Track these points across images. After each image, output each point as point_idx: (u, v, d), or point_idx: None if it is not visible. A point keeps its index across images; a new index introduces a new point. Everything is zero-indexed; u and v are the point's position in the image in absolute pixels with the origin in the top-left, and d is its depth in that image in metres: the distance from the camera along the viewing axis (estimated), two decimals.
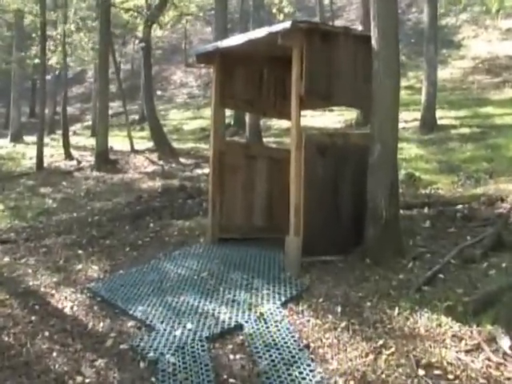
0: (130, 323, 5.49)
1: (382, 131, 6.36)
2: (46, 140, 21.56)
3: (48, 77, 26.73)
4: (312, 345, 4.70)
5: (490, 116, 14.87)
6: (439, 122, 14.77)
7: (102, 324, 5.56)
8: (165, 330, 5.16)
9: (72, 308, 6.03)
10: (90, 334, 5.40)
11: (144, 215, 9.28)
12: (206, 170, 12.85)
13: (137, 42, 22.40)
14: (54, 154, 18.94)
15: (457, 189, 9.27)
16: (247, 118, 16.03)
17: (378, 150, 6.34)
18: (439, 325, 4.68)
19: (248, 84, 7.94)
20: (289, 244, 6.31)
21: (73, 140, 20.82)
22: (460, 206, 7.78)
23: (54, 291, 6.57)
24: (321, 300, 5.47)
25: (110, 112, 28.00)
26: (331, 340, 4.73)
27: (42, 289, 6.68)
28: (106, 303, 6.02)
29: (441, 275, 5.55)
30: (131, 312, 5.65)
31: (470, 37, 24.32)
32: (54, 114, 26.47)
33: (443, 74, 19.95)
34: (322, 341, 4.75)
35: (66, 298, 6.34)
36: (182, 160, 15.51)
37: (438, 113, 15.01)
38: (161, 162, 15.36)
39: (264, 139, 16.13)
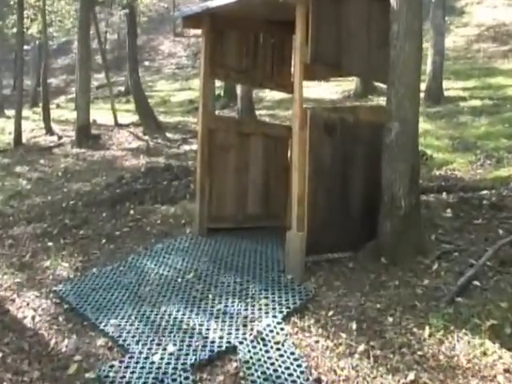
0: (100, 341, 4.52)
1: (401, 106, 5.33)
2: (28, 113, 20.40)
3: (28, 47, 25.46)
4: (324, 378, 3.75)
5: (501, 87, 13.82)
6: (446, 93, 13.73)
7: (66, 342, 4.58)
8: (141, 353, 4.17)
9: (33, 318, 5.06)
10: (50, 355, 4.44)
11: (124, 200, 8.25)
12: (194, 147, 11.80)
13: (121, 9, 21.08)
14: (34, 128, 17.76)
15: (476, 170, 8.27)
16: (238, 89, 14.91)
17: (395, 129, 5.33)
18: (484, 353, 3.73)
19: (242, 51, 6.87)
20: (290, 241, 5.31)
21: (56, 113, 19.65)
22: (485, 192, 6.78)
23: (15, 295, 5.61)
24: (331, 313, 4.51)
25: (96, 84, 26.95)
26: (348, 371, 3.77)
27: (1, 292, 5.70)
28: (74, 312, 5.04)
29: (476, 282, 4.59)
30: (102, 326, 4.67)
31: (474, 3, 23.12)
32: (38, 86, 25.12)
33: (446, 42, 18.82)
34: (335, 372, 3.79)
35: (28, 304, 5.38)
36: (169, 135, 14.40)
37: (444, 83, 13.95)
38: (146, 138, 14.25)
39: (256, 112, 15.06)
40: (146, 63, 29.84)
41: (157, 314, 4.72)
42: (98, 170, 11.51)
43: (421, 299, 4.55)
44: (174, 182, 9.01)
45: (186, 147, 12.89)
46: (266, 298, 4.82)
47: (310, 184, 5.33)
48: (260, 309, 4.66)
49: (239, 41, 6.84)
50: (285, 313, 4.56)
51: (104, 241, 6.82)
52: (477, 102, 12.68)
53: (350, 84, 16.76)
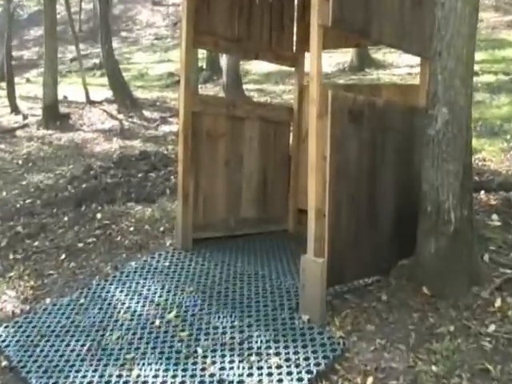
0: None
1: (451, 85, 4.00)
2: None
3: None
4: None
5: None
6: None
7: None
8: None
9: None
10: None
11: (91, 197, 6.83)
12: (175, 128, 10.41)
13: None
14: None
15: (511, 160, 6.97)
16: (223, 60, 13.41)
17: (443, 116, 4.01)
18: None
19: (233, 15, 5.45)
20: (306, 270, 3.94)
21: (25, 89, 17.99)
22: None
23: None
24: (370, 381, 3.22)
25: (70, 56, 25.17)
26: None
27: None
28: (14, 375, 3.70)
29: None
30: None
31: None
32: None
33: None
34: None
35: None
36: (146, 113, 12.91)
37: None
38: (120, 117, 12.75)
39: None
40: (123, 34, 28.05)
41: (127, 383, 3.40)
42: (64, 156, 10.04)
43: (491, 358, 3.28)
44: (150, 173, 7.63)
45: (166, 128, 11.45)
46: (277, 354, 3.50)
47: (332, 191, 3.98)
48: (270, 374, 3.34)
49: (230, 1, 5.42)
50: (305, 381, 3.26)
51: (63, 256, 5.44)
52: (490, 78, 11.35)
53: (343, 55, 15.33)
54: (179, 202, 5.24)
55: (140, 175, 7.53)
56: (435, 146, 4.04)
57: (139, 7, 31.48)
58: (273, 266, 4.84)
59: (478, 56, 13.13)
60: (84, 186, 7.41)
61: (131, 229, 5.83)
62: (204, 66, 16.39)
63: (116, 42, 23.06)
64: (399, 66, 14.55)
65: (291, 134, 6.29)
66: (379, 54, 15.80)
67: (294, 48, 6.16)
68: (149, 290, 4.50)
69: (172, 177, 7.25)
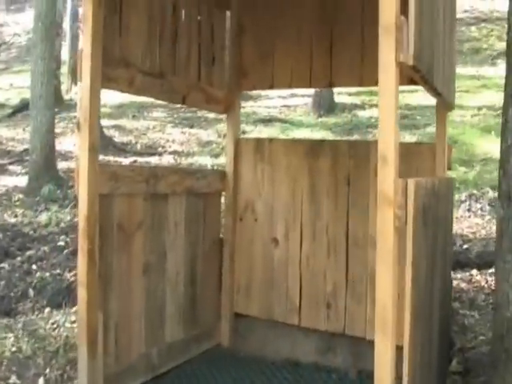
0: None
1: None
2: None
3: None
4: None
5: None
6: None
7: None
8: None
9: None
10: None
11: None
12: (22, 180, 7.93)
13: None
14: None
15: None
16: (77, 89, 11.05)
17: None
18: None
19: (153, 39, 3.45)
20: None
21: None
22: None
23: None
24: None
25: None
26: None
27: None
28: None
29: None
30: None
31: None
32: None
33: None
34: None
35: None
36: None
37: None
38: None
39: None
40: None
41: None
42: None
43: None
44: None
45: (7, 181, 8.82)
46: None
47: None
48: None
49: (148, 20, 3.42)
50: None
51: None
52: None
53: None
54: (82, 349, 3.06)
55: None
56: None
57: None
58: None
59: None
60: None
61: None
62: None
63: None
64: (271, 97, 13.20)
65: (223, 209, 4.42)
66: None
67: (227, 86, 4.29)
68: None
69: (34, 266, 4.98)
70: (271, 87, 4.21)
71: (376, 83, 3.77)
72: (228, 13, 4.17)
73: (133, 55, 3.27)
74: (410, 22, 2.12)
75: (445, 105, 3.49)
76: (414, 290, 2.27)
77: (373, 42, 3.68)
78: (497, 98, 10.89)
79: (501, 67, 13.14)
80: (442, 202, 3.15)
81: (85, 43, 2.81)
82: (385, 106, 2.17)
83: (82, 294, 3.03)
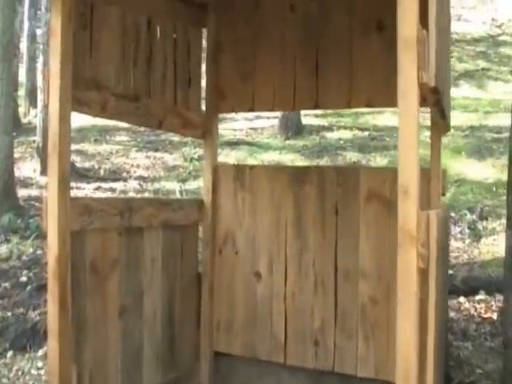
0: None
1: None
2: None
3: None
4: None
5: None
6: None
7: None
8: None
9: None
10: None
11: None
12: None
13: None
14: None
15: None
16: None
17: None
18: None
19: (127, 58, 3.15)
20: None
21: None
22: None
23: None
24: None
25: None
26: None
27: None
28: None
29: None
30: None
31: None
32: None
33: None
34: None
35: None
36: None
37: None
38: None
39: None
40: None
41: None
42: None
43: None
44: None
45: None
46: None
47: None
48: None
49: (121, 37, 3.11)
50: None
51: None
52: None
53: None
54: None
55: None
56: None
57: None
58: None
59: None
60: None
61: None
62: None
63: None
64: (237, 120, 12.94)
65: (200, 240, 4.11)
66: None
67: (204, 109, 4.01)
68: None
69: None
70: (252, 109, 3.95)
71: (365, 105, 3.64)
72: (204, 30, 3.90)
73: (105, 76, 2.96)
74: (430, 36, 1.89)
75: (444, 126, 3.28)
76: (436, 338, 2.02)
77: (362, 60, 3.56)
78: (463, 119, 10.91)
79: (463, 88, 13.27)
80: (445, 232, 2.94)
81: (53, 61, 2.48)
82: (406, 133, 1.92)
83: (52, 344, 2.66)
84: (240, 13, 3.83)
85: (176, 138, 11.36)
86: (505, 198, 2.52)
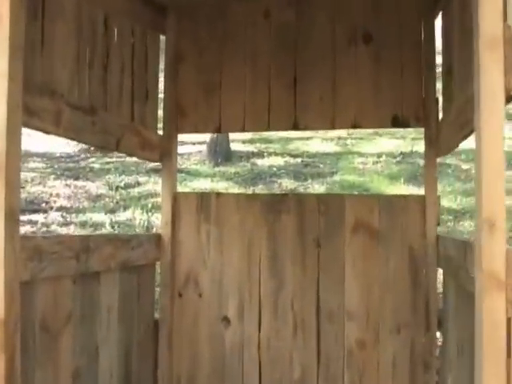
0: None
1: None
2: None
3: None
4: None
5: None
6: None
7: None
8: None
9: None
10: None
11: None
12: None
13: None
14: None
15: None
16: None
17: None
18: None
19: (82, 63, 2.57)
20: None
21: None
22: None
23: None
24: None
25: None
26: None
27: None
28: None
29: None
30: None
31: None
32: None
33: None
34: None
35: None
36: None
37: None
38: None
39: None
40: None
41: None
42: None
43: None
44: None
45: None
46: None
47: None
48: None
49: (77, 29, 2.53)
50: None
51: None
52: None
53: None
54: None
55: None
56: None
57: None
58: None
59: None
60: None
61: None
62: None
63: None
64: None
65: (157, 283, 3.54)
66: None
67: (162, 128, 3.46)
68: None
69: None
70: (218, 130, 3.46)
71: (352, 125, 3.22)
72: (163, 37, 3.37)
73: (58, 79, 2.36)
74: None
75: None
76: None
77: (347, 74, 3.16)
78: (392, 145, 10.89)
79: None
80: None
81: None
82: (489, 155, 1.52)
83: None
84: (204, 17, 3.35)
85: (97, 164, 10.58)
86: None
